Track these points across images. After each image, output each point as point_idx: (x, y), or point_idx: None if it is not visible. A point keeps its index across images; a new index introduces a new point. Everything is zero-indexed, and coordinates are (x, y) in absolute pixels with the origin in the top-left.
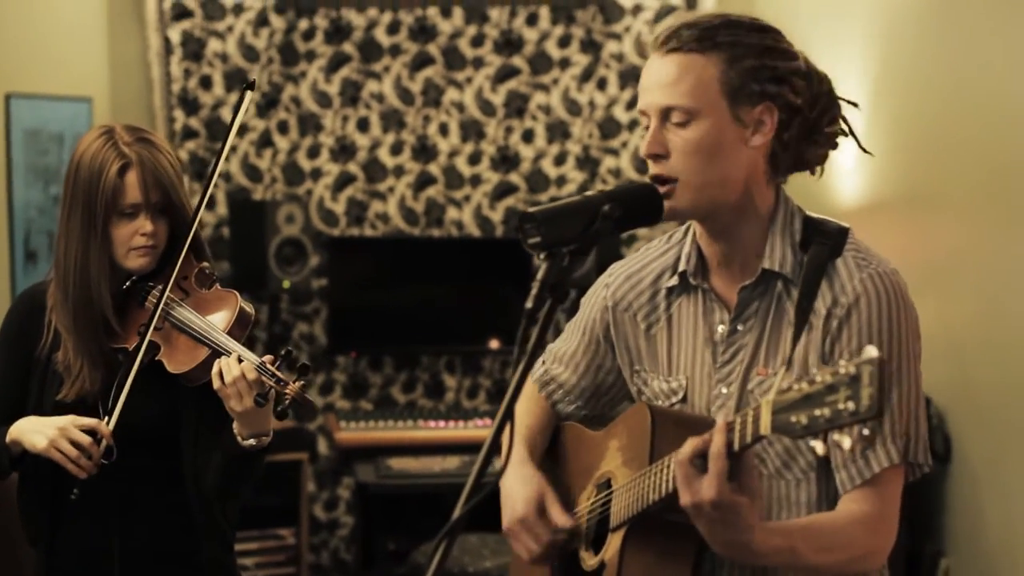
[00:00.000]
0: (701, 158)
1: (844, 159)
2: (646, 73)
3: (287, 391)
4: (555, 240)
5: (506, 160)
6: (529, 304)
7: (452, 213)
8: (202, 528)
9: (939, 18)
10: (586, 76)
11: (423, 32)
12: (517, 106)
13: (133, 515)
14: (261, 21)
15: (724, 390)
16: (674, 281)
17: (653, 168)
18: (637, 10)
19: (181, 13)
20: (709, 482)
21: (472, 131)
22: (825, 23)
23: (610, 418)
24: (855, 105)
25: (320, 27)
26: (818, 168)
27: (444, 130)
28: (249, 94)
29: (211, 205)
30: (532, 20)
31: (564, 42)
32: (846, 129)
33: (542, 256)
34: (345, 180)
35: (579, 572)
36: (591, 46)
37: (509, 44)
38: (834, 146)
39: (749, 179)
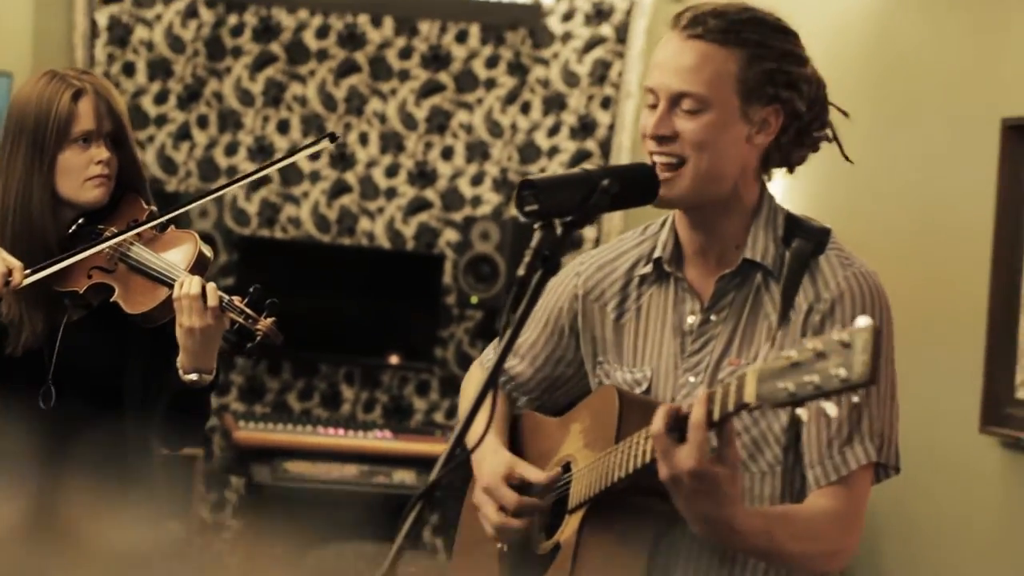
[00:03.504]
0: (706, 149)
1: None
2: (663, 51)
3: (258, 327)
4: (552, 209)
5: (423, 175)
6: (521, 271)
7: (364, 224)
8: (135, 476)
9: (882, 72)
10: (511, 98)
11: (352, 39)
12: (439, 122)
13: (66, 465)
14: (190, 12)
15: (692, 379)
16: (647, 269)
17: (656, 149)
18: (567, 37)
19: None
20: (688, 451)
21: (392, 143)
22: None
23: (563, 408)
24: (846, 114)
25: (249, 24)
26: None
27: (364, 139)
28: (326, 143)
29: None
30: (462, 37)
31: (492, 62)
32: (831, 135)
33: (536, 225)
34: (260, 181)
35: (531, 557)
36: (518, 69)
37: (437, 59)
38: (816, 149)
39: (740, 174)
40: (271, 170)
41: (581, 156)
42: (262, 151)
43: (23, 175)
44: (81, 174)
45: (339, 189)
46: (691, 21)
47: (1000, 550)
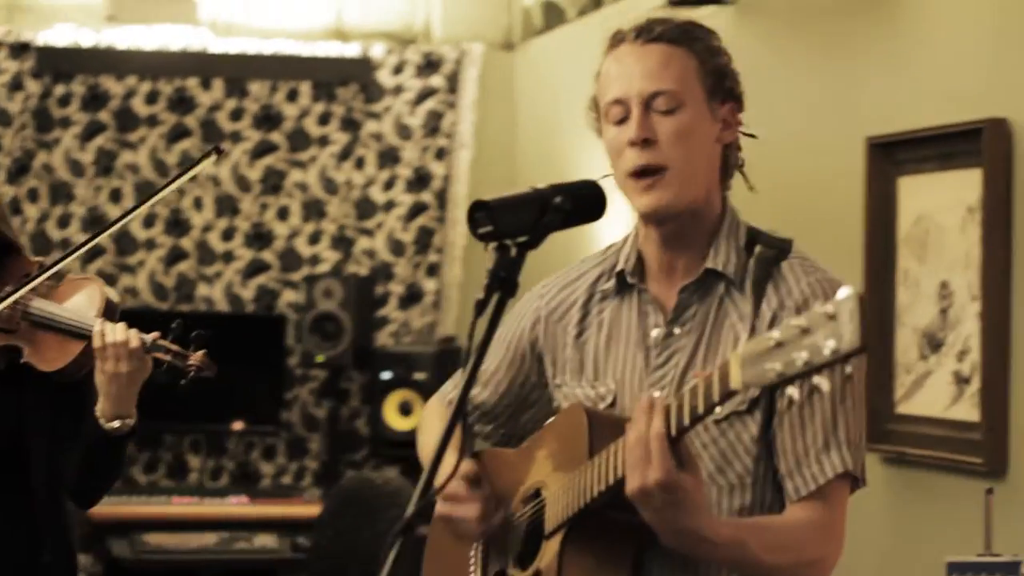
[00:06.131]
0: (689, 146)
1: None
2: (622, 62)
3: (190, 363)
4: (506, 230)
5: (260, 237)
6: (480, 295)
7: (203, 289)
8: (46, 536)
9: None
10: (345, 155)
11: (181, 103)
12: (273, 182)
13: None
14: (15, 85)
15: (657, 393)
16: (610, 284)
17: (641, 157)
18: (399, 90)
19: None
20: (656, 463)
21: (227, 206)
22: None
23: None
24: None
25: (77, 93)
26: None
27: (199, 204)
28: (213, 158)
29: None
30: (292, 96)
31: (324, 119)
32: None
33: (492, 247)
34: (95, 252)
35: None
36: (351, 124)
37: (268, 119)
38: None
39: (710, 178)
40: (160, 196)
41: (418, 209)
42: (95, 222)
43: None
44: None
45: (175, 255)
46: (642, 30)
47: (887, 566)
